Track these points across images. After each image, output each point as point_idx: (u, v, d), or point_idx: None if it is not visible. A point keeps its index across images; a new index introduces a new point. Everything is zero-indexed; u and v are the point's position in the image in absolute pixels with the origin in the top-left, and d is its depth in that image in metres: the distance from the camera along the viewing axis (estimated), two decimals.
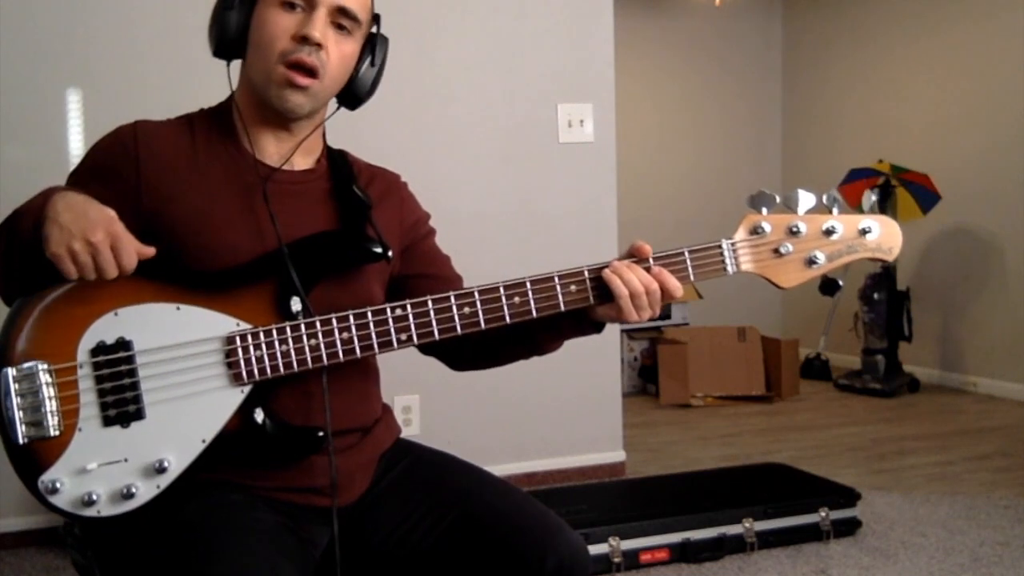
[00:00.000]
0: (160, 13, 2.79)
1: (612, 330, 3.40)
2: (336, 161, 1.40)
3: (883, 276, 4.94)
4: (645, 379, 5.07)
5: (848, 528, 2.71)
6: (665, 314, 5.20)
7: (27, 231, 1.14)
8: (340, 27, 1.28)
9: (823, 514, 2.67)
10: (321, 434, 1.23)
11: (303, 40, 1.23)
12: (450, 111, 3.12)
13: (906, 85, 5.37)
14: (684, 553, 2.54)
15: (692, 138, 6.04)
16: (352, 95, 1.37)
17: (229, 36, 1.28)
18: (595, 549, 2.42)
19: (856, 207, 4.30)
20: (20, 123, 2.69)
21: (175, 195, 1.26)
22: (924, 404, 4.68)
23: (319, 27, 1.23)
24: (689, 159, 6.01)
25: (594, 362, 3.32)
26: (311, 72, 1.25)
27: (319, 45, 1.24)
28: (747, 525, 2.59)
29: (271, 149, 1.33)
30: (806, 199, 1.27)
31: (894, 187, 4.97)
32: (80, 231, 1.10)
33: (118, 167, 1.26)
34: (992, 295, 4.87)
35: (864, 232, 1.28)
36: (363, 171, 1.44)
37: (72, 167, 1.33)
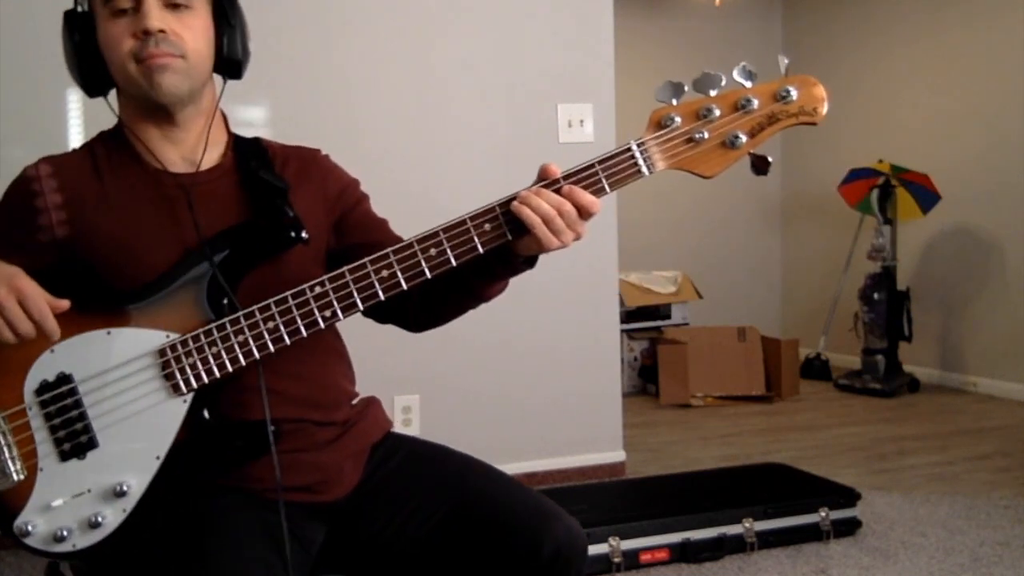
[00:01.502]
0: None
1: (612, 330, 3.40)
2: (245, 151, 1.38)
3: (883, 276, 4.94)
4: (645, 379, 5.07)
5: (848, 528, 2.71)
6: (665, 314, 5.20)
7: None
8: (175, 7, 1.24)
9: (823, 514, 2.67)
10: (273, 428, 1.22)
11: (144, 35, 1.22)
12: (450, 111, 3.12)
13: (906, 85, 5.36)
14: (684, 553, 2.54)
15: None
16: (227, 63, 1.33)
17: (89, 71, 1.28)
18: (595, 549, 2.42)
19: (855, 206, 4.29)
20: (20, 123, 2.69)
21: (89, 223, 1.26)
22: (924, 404, 4.68)
23: (153, 17, 1.21)
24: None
25: (594, 362, 3.32)
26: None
27: (161, 31, 1.22)
28: (747, 525, 2.59)
29: (172, 155, 1.32)
30: (715, 80, 1.19)
31: (894, 187, 4.97)
32: None
33: (28, 208, 1.27)
34: (992, 295, 4.87)
35: (782, 97, 1.19)
36: (278, 154, 1.41)
37: None
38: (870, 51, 5.61)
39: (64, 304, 1.16)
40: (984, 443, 3.86)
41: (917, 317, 4.98)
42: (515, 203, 1.19)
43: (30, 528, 1.18)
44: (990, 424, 4.21)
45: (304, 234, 1.25)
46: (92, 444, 1.18)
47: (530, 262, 1.28)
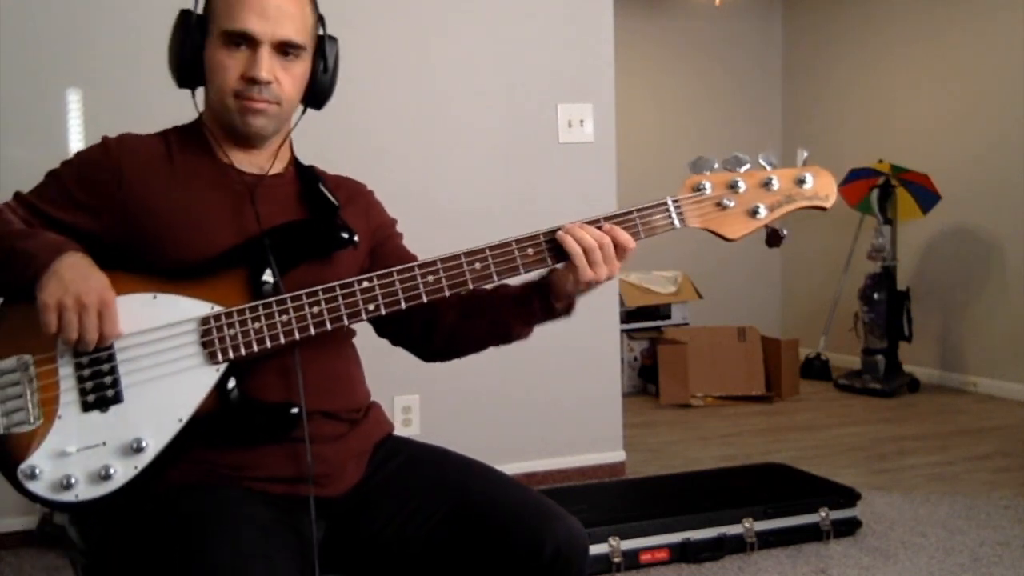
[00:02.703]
0: (160, 13, 2.78)
1: (612, 330, 3.40)
2: (303, 170, 1.46)
3: (883, 276, 4.94)
4: (645, 379, 5.07)
5: (848, 528, 2.71)
6: (665, 314, 5.20)
7: (20, 272, 1.19)
8: (286, 54, 1.32)
9: (823, 514, 2.67)
10: (295, 411, 1.26)
11: (252, 81, 1.29)
12: (450, 111, 3.12)
13: (906, 85, 5.37)
14: (684, 553, 2.54)
15: (692, 138, 6.03)
16: (314, 98, 1.42)
17: (186, 70, 1.35)
18: (595, 549, 2.42)
19: (855, 206, 4.31)
20: (20, 123, 2.69)
21: (156, 197, 1.31)
22: (924, 404, 4.68)
23: (265, 66, 1.29)
24: (689, 159, 5.99)
25: (594, 362, 3.32)
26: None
27: (268, 82, 1.30)
28: (747, 525, 2.59)
29: (242, 160, 1.38)
30: (741, 160, 1.35)
31: (894, 187, 4.97)
32: (76, 291, 1.16)
33: (102, 174, 1.31)
34: (992, 295, 4.87)
35: (800, 182, 1.36)
36: (329, 179, 1.48)
37: None
38: (870, 51, 5.61)
39: (122, 332, 1.21)
40: (984, 443, 3.86)
41: (917, 317, 4.98)
42: (560, 232, 1.29)
43: (37, 472, 1.18)
44: (990, 424, 4.21)
45: (356, 237, 1.33)
46: (117, 399, 1.21)
47: (567, 310, 1.38)
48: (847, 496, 2.73)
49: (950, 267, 5.10)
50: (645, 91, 5.84)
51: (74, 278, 1.17)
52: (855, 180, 5.10)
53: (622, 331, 4.56)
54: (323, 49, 1.39)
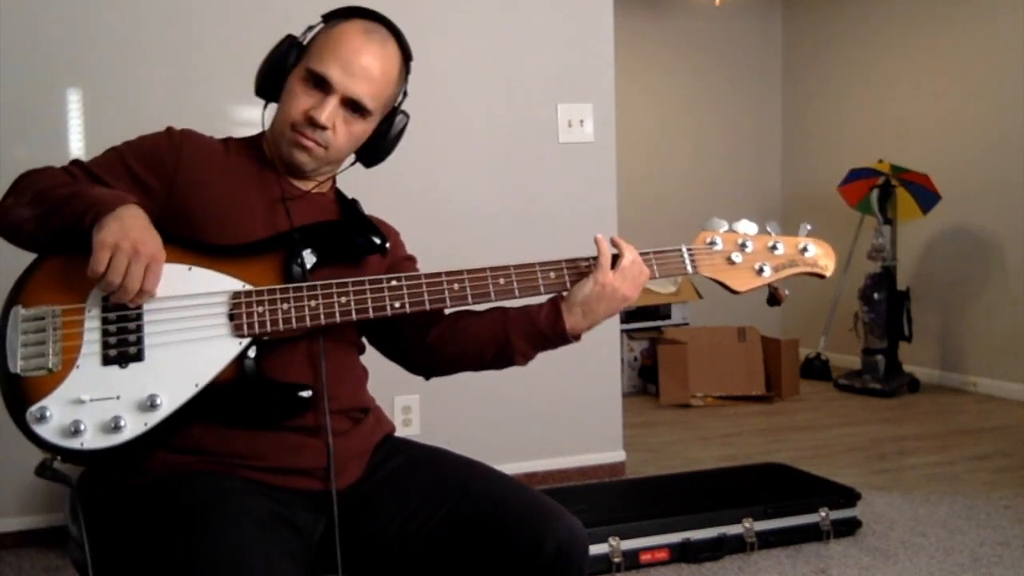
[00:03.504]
0: (161, 13, 2.79)
1: (612, 330, 3.40)
2: (344, 197, 1.51)
3: (883, 276, 4.94)
4: (645, 379, 5.07)
5: (848, 528, 2.71)
6: (665, 314, 5.20)
7: (80, 213, 1.22)
8: (353, 111, 1.38)
9: (823, 514, 2.67)
10: (307, 394, 1.28)
11: (311, 120, 1.36)
12: (450, 111, 3.12)
13: (906, 85, 5.37)
14: (684, 553, 2.54)
15: (692, 138, 6.04)
16: (366, 156, 1.48)
17: (267, 84, 1.42)
18: (595, 549, 2.42)
19: (855, 206, 4.33)
20: (21, 123, 2.69)
21: (206, 185, 1.37)
22: (924, 404, 4.68)
23: (327, 113, 1.35)
24: (689, 159, 6.01)
25: (594, 362, 3.32)
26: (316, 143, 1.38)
27: (324, 128, 1.36)
28: (747, 525, 2.59)
29: (293, 179, 1.44)
30: (749, 227, 1.48)
31: (894, 187, 4.97)
32: (135, 237, 1.19)
33: (163, 156, 1.37)
34: (992, 295, 4.87)
35: (803, 250, 1.49)
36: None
37: None
38: (870, 51, 5.61)
39: (156, 294, 1.24)
40: (984, 443, 3.86)
41: (917, 317, 4.98)
42: (597, 236, 1.41)
43: (47, 414, 1.19)
44: (990, 424, 4.22)
45: (387, 244, 1.40)
46: (139, 356, 1.24)
47: (576, 336, 1.43)
48: (847, 496, 2.73)
49: (950, 267, 5.10)
50: (645, 91, 5.84)
51: (135, 226, 1.20)
52: (855, 180, 5.10)
53: (622, 331, 4.56)
54: (392, 117, 1.45)
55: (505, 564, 1.27)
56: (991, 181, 4.81)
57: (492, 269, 1.36)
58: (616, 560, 2.45)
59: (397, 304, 1.31)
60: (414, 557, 1.32)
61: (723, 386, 4.81)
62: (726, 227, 1.47)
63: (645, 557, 2.50)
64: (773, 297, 1.49)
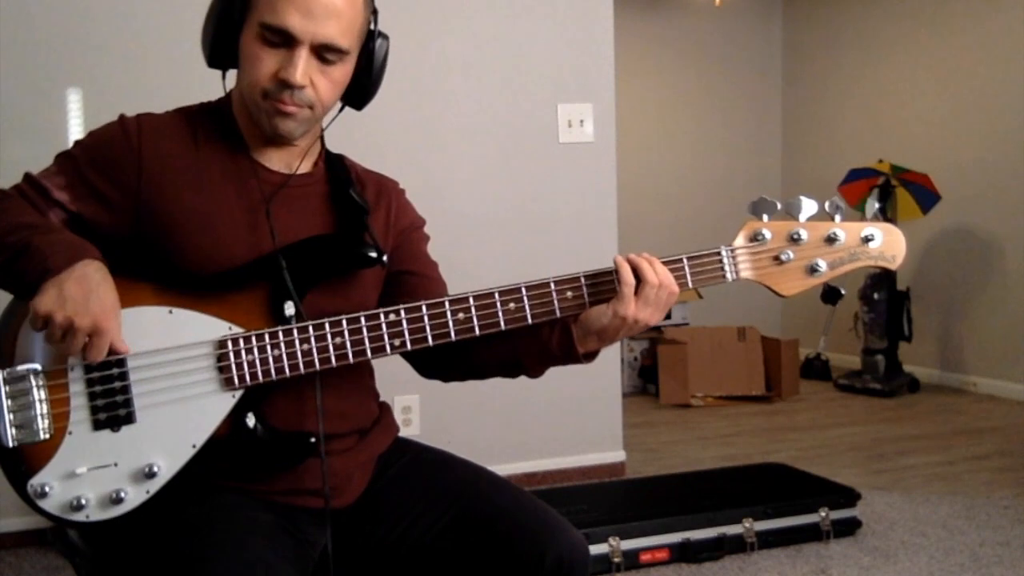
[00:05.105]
0: (160, 13, 2.79)
1: None
2: (334, 165, 1.38)
3: (883, 276, 4.93)
4: (645, 379, 5.07)
5: (848, 528, 2.71)
6: (665, 314, 5.19)
7: (30, 270, 1.12)
8: (326, 59, 1.22)
9: (823, 514, 2.67)
10: (313, 440, 1.22)
11: (284, 83, 1.19)
12: (450, 111, 3.12)
13: (906, 85, 5.36)
14: (684, 553, 2.54)
15: (692, 138, 6.04)
16: (355, 98, 1.35)
17: (218, 52, 1.26)
18: (595, 549, 2.42)
19: (855, 207, 4.29)
20: (20, 123, 2.69)
21: (175, 192, 1.23)
22: (924, 404, 4.68)
23: (300, 71, 1.19)
24: (689, 159, 6.01)
25: (594, 362, 3.31)
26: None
27: (301, 87, 1.20)
28: (747, 525, 2.59)
29: (271, 153, 1.31)
30: (808, 206, 1.26)
31: (894, 187, 4.97)
32: (71, 310, 1.09)
33: (119, 159, 1.23)
34: (992, 295, 4.87)
35: (867, 240, 1.28)
36: (360, 176, 1.42)
37: None
38: (870, 51, 5.61)
39: (126, 350, 1.16)
40: (984, 443, 3.86)
41: (917, 317, 4.98)
42: (616, 257, 1.23)
43: (47, 490, 1.16)
44: (990, 424, 4.21)
45: (385, 257, 1.26)
46: (130, 419, 1.17)
47: (589, 356, 1.30)
48: (847, 496, 2.73)
49: (950, 267, 5.10)
50: (645, 91, 5.83)
51: (75, 295, 1.10)
52: (855, 180, 5.09)
53: None
54: (371, 47, 1.29)
55: (506, 573, 1.25)
56: (991, 181, 4.81)
57: (501, 291, 1.21)
58: (616, 560, 2.45)
59: (397, 342, 1.20)
60: (416, 564, 1.30)
61: (723, 386, 4.81)
62: (778, 208, 1.26)
63: (645, 557, 2.50)
64: (829, 295, 1.33)
